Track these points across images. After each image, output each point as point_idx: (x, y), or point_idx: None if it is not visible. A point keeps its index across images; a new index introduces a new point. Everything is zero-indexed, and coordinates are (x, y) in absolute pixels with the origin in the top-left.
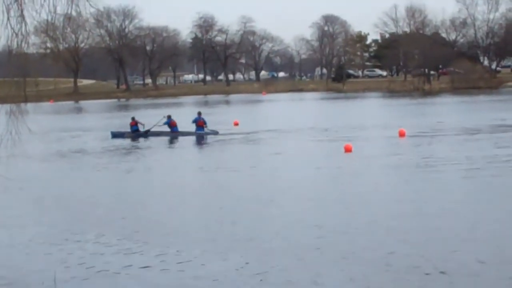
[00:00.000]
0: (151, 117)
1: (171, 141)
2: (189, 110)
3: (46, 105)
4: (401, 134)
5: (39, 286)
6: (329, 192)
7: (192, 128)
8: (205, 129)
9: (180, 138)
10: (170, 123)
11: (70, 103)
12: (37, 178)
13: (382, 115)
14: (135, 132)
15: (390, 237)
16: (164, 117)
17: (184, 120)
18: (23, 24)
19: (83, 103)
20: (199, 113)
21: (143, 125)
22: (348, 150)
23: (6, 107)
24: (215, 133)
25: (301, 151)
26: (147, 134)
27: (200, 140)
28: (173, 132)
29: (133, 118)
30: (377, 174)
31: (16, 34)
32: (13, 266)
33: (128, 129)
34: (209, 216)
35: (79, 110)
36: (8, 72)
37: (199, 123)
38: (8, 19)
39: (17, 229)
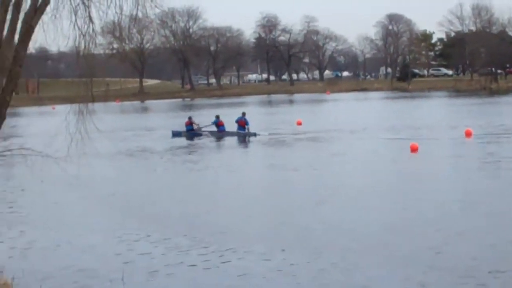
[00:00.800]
0: (212, 116)
1: (221, 140)
2: (251, 109)
3: (113, 104)
4: (468, 134)
5: (107, 283)
6: (394, 192)
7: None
8: (246, 129)
9: (229, 138)
10: (218, 123)
11: (136, 103)
12: (103, 176)
13: (448, 115)
14: (189, 132)
15: (451, 238)
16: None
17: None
18: (90, 25)
19: (149, 102)
20: (243, 113)
21: (198, 125)
22: (414, 149)
23: (75, 107)
24: (253, 134)
25: (366, 151)
26: (200, 134)
27: (240, 139)
28: (219, 131)
29: (189, 118)
30: (443, 174)
31: (84, 35)
32: (81, 266)
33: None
34: (268, 215)
35: (144, 109)
36: (76, 73)
37: (240, 122)
38: (75, 20)
39: (85, 228)
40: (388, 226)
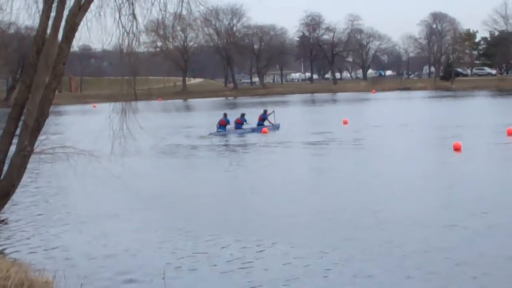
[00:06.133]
0: (255, 114)
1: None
2: (295, 108)
3: (155, 103)
4: (510, 133)
5: (147, 282)
6: (440, 191)
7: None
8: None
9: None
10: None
11: (178, 101)
12: (144, 174)
13: (492, 114)
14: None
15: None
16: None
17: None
18: (134, 23)
19: (191, 101)
20: (225, 114)
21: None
22: (457, 148)
23: (117, 105)
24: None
25: (411, 150)
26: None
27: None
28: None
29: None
30: (485, 174)
31: (127, 33)
32: (122, 264)
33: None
34: (312, 215)
35: (186, 108)
36: (119, 71)
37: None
38: (119, 17)
39: (126, 228)
40: (431, 224)
